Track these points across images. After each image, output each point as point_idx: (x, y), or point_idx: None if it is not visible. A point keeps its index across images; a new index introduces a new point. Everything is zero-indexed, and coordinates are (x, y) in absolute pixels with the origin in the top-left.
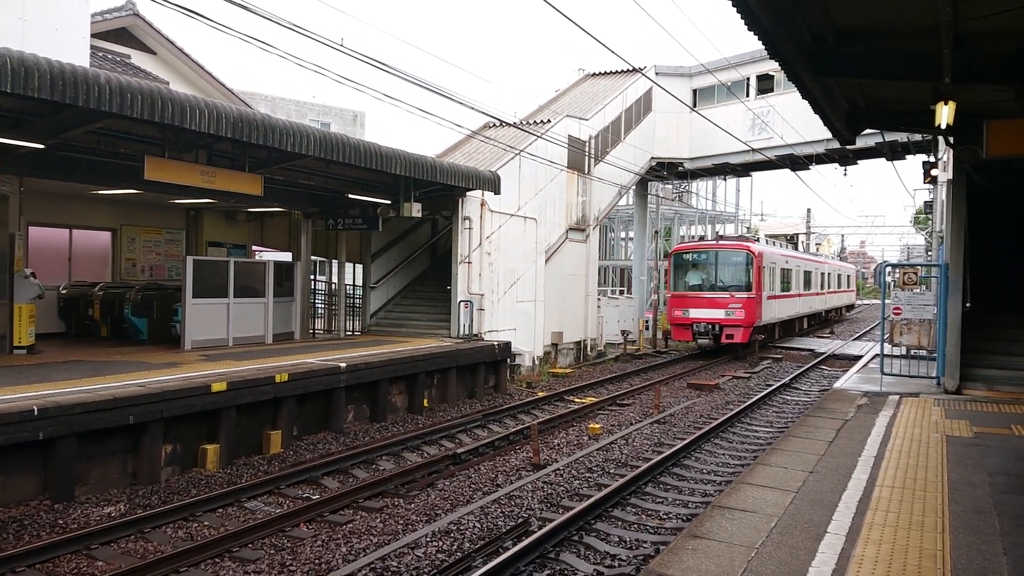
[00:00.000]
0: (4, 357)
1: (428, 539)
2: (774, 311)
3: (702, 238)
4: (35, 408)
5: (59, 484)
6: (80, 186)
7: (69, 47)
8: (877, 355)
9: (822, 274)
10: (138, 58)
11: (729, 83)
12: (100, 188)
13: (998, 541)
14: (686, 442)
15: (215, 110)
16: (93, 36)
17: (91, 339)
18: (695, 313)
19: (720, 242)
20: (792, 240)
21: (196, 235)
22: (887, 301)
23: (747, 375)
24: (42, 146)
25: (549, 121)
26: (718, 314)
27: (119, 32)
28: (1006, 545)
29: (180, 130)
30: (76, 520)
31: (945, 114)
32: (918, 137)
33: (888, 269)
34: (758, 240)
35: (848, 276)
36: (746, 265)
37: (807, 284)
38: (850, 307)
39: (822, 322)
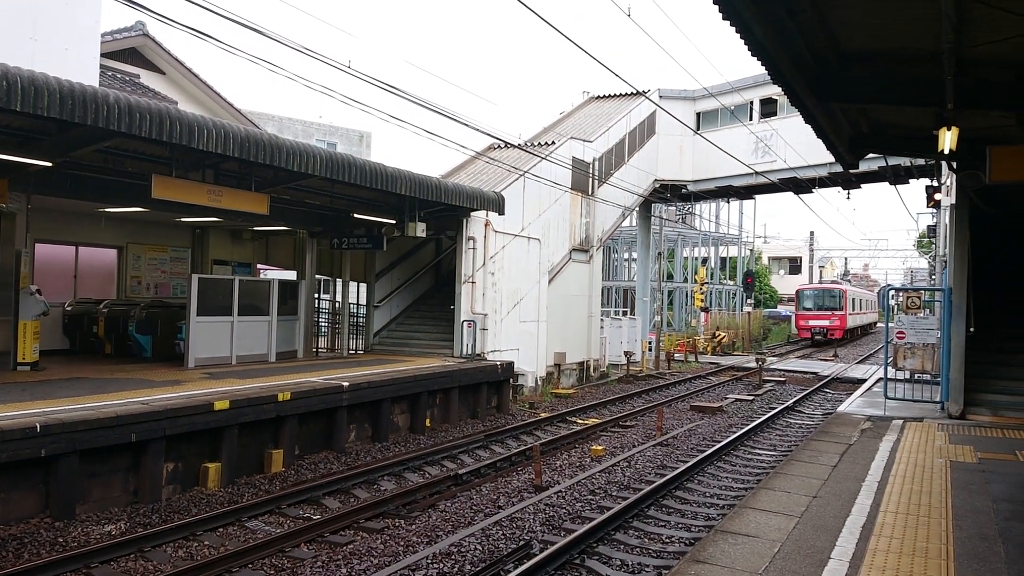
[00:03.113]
0: (8, 374)
1: (429, 561)
2: (850, 322)
3: (811, 281)
4: (38, 425)
5: (60, 502)
6: (87, 204)
7: (79, 67)
8: (881, 379)
9: (865, 300)
10: (147, 78)
11: (732, 107)
12: (107, 206)
13: (1003, 570)
14: (689, 465)
15: (222, 130)
16: (103, 56)
17: (95, 356)
18: (812, 323)
19: (823, 283)
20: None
21: (201, 253)
22: (891, 325)
23: (750, 397)
24: (50, 164)
25: (553, 143)
26: (825, 323)
27: (129, 52)
28: (1011, 574)
29: (188, 149)
30: (76, 538)
31: (948, 140)
32: (921, 161)
33: (892, 293)
34: (844, 282)
35: (873, 301)
36: (839, 296)
37: (861, 307)
38: (874, 324)
39: (863, 332)
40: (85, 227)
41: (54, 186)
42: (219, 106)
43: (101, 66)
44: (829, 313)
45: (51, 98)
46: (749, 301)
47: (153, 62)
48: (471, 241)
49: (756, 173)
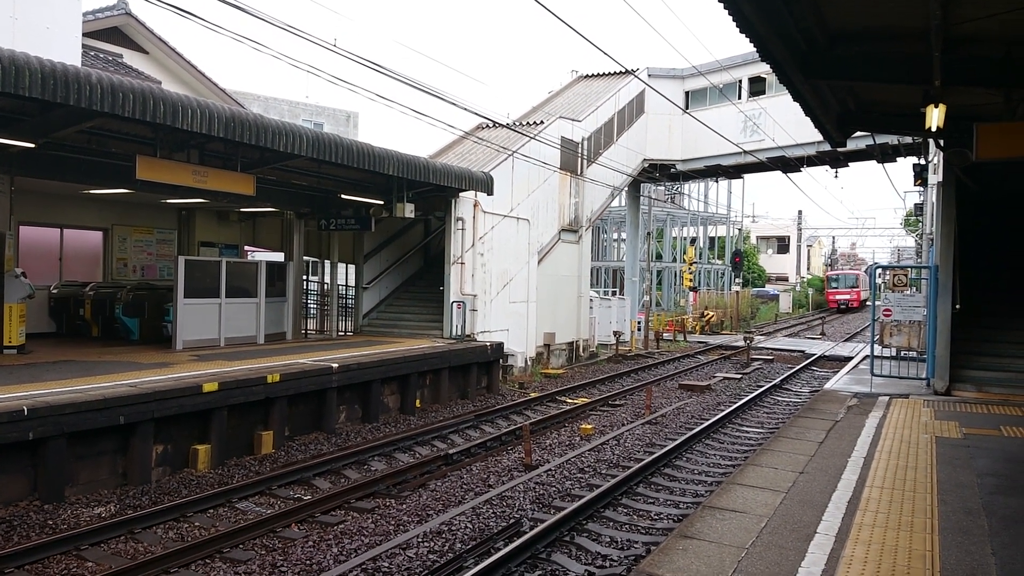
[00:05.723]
0: None
1: (419, 540)
2: (863, 296)
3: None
4: (25, 408)
5: (49, 484)
6: (71, 185)
7: (61, 46)
8: (867, 356)
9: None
10: (130, 57)
11: (721, 85)
12: (91, 188)
13: (987, 542)
14: (677, 443)
15: (207, 110)
16: (85, 35)
17: (82, 339)
18: (838, 297)
19: (845, 269)
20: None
21: (188, 235)
22: (877, 303)
23: (738, 376)
24: (33, 145)
25: (542, 122)
26: (846, 297)
27: (111, 31)
28: (995, 546)
29: (172, 130)
30: (66, 521)
31: (935, 117)
32: (909, 140)
33: (878, 271)
34: (857, 268)
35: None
36: (856, 278)
37: (866, 285)
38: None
39: (868, 303)
40: (70, 209)
41: (37, 167)
42: (203, 86)
43: (83, 46)
44: (849, 290)
45: (32, 78)
46: (737, 280)
47: (136, 41)
48: (460, 222)
49: (745, 152)
